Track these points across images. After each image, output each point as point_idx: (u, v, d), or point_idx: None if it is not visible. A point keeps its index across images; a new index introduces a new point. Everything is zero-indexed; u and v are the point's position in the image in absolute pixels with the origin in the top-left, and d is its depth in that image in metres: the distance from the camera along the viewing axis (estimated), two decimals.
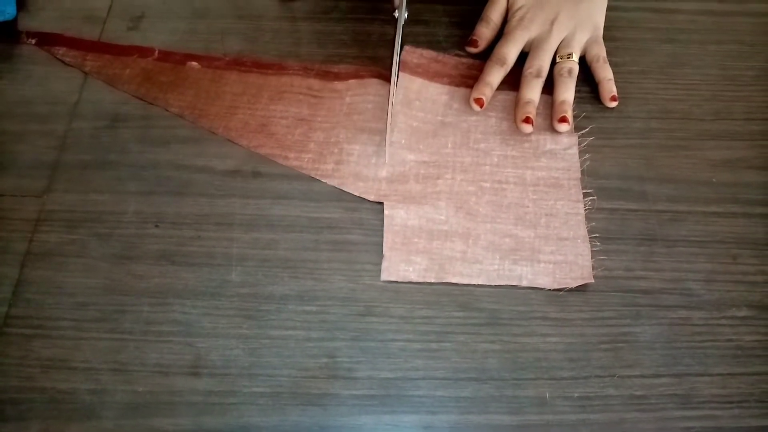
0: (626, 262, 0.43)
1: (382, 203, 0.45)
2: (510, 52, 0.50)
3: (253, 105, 0.49)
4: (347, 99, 0.50)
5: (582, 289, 0.42)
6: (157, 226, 0.44)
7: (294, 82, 0.51)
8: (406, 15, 0.42)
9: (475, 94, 0.49)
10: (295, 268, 0.43)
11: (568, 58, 0.50)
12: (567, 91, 0.49)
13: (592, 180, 0.47)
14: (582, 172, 0.47)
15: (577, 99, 0.50)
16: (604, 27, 0.52)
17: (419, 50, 0.53)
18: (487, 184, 0.46)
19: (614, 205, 0.46)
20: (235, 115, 0.49)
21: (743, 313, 0.42)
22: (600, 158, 0.48)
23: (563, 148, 0.48)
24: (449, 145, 0.48)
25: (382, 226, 0.44)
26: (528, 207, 0.45)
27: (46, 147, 0.47)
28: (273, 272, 0.42)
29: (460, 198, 0.46)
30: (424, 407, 0.38)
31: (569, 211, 0.45)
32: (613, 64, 0.51)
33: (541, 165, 0.47)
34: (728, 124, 0.50)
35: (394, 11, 0.42)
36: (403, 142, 0.48)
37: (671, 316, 0.42)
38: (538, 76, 0.49)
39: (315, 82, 0.51)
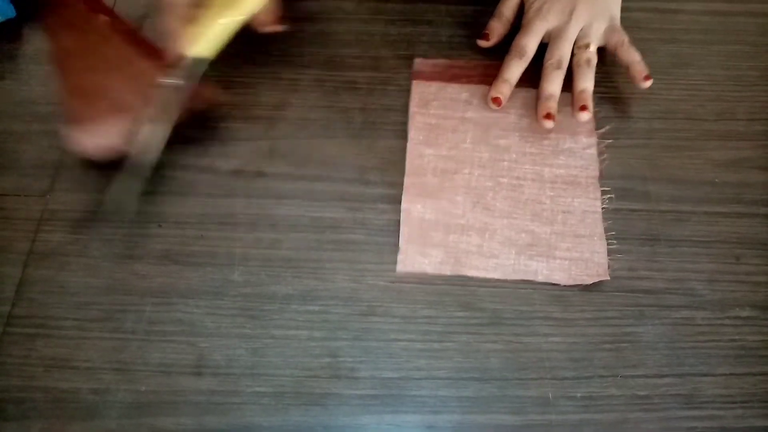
0: (629, 262, 0.43)
1: (385, 202, 0.45)
2: (529, 42, 0.50)
3: None
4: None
5: (585, 288, 0.42)
6: (160, 225, 0.44)
7: None
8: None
9: (493, 93, 0.49)
10: (297, 267, 0.43)
11: (586, 48, 0.50)
12: (587, 81, 0.49)
13: None
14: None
15: None
16: None
17: (432, 60, 0.52)
18: (505, 180, 0.46)
19: (617, 205, 0.46)
20: None
21: (746, 313, 0.42)
22: (603, 159, 0.48)
23: (582, 147, 0.48)
24: (468, 140, 0.48)
25: (385, 226, 0.44)
26: (545, 204, 0.45)
27: (49, 147, 0.47)
28: (276, 272, 0.42)
29: (477, 193, 0.46)
30: (427, 407, 0.38)
31: (586, 209, 0.45)
32: (616, 65, 0.51)
33: (560, 163, 0.47)
34: (732, 124, 0.50)
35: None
36: (421, 138, 0.48)
37: (674, 316, 0.41)
38: (558, 67, 0.49)
39: None
